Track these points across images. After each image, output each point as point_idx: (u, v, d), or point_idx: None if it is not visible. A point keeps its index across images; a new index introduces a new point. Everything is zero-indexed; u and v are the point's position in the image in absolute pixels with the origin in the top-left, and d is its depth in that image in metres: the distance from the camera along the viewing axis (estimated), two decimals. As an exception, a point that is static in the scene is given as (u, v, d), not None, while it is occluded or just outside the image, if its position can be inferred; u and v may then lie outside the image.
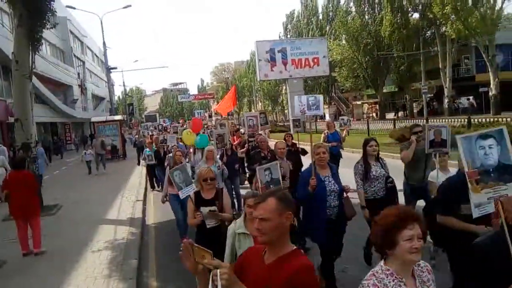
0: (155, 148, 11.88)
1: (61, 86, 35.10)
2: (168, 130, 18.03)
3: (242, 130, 11.76)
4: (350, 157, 9.74)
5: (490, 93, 28.14)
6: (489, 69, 27.69)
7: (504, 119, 15.73)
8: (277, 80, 42.94)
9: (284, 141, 7.34)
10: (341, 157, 9.63)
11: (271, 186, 3.76)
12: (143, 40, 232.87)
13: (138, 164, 18.16)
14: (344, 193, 4.52)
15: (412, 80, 37.52)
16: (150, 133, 18.06)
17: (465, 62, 36.60)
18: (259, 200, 2.03)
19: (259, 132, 9.67)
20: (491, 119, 16.81)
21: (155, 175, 12.29)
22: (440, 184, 3.86)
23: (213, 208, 4.30)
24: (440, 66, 32.87)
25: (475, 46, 30.16)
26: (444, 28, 30.19)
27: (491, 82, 27.63)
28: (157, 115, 33.64)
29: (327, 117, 49.09)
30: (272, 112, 64.14)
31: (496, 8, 26.15)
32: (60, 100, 33.31)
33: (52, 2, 10.52)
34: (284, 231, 1.96)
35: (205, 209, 4.29)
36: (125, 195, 11.76)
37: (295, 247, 2.00)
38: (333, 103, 52.28)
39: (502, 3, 26.11)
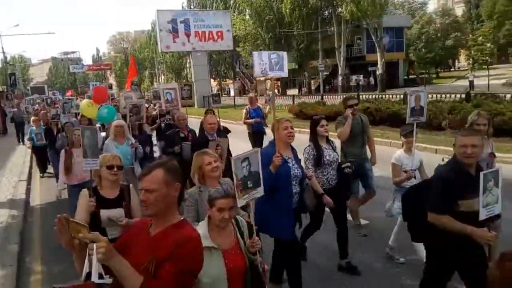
0: (44, 126, 9.78)
1: None
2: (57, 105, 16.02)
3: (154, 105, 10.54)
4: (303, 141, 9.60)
5: (378, 72, 30.97)
6: (377, 50, 30.32)
7: (388, 96, 17.42)
8: (181, 52, 41.65)
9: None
10: (265, 134, 8.89)
11: (249, 182, 2.70)
12: (25, 2, 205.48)
13: (19, 142, 16.11)
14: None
15: (311, 58, 39.55)
16: (36, 108, 15.13)
17: (357, 42, 39.61)
18: (145, 172, 1.95)
19: (178, 108, 8.03)
20: (377, 96, 18.53)
21: (46, 157, 9.81)
22: (435, 176, 3.11)
23: (115, 214, 3.16)
24: (336, 45, 35.04)
25: (366, 28, 32.71)
26: (339, 9, 31.99)
27: (379, 62, 30.37)
28: (46, 87, 30.36)
29: (232, 93, 49.64)
30: (178, 85, 62.32)
31: (384, -6, 28.51)
32: None
33: None
34: (171, 202, 1.93)
35: (106, 213, 3.18)
36: (5, 175, 10.42)
37: (182, 218, 1.99)
38: (237, 78, 52.70)
39: (389, -11, 28.52)
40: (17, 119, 16.62)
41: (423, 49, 41.10)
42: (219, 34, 31.93)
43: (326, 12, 37.41)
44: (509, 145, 9.05)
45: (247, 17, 39.47)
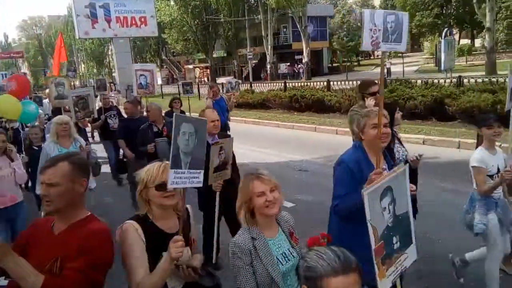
0: None
1: None
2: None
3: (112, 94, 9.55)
4: (239, 130, 9.38)
5: (303, 60, 31.89)
6: (302, 39, 31.16)
7: (313, 83, 18.00)
8: (102, 39, 39.29)
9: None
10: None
11: (394, 239, 1.74)
12: None
13: None
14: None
15: (240, 46, 39.60)
16: None
17: (284, 31, 40.37)
18: (48, 164, 1.78)
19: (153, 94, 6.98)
20: (303, 83, 19.07)
21: None
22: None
23: (184, 258, 1.91)
24: (263, 34, 35.36)
25: (292, 17, 33.41)
26: (265, -3, 32.26)
27: (304, 50, 31.25)
28: None
29: (159, 81, 48.02)
30: (98, 75, 58.91)
31: (308, -17, 29.25)
32: None
33: None
34: (76, 198, 1.79)
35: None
36: None
37: (89, 213, 1.85)
38: (165, 66, 51.14)
39: (312, -22, 29.34)
40: None
41: (345, 38, 43.15)
42: (142, 19, 30.50)
43: (252, 0, 37.54)
44: (420, 127, 9.81)
45: (172, 3, 38.25)
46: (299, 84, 18.79)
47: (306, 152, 8.86)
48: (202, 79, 45.35)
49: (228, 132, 7.13)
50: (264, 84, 21.04)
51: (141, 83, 6.40)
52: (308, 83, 18.52)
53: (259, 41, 37.92)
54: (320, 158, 8.26)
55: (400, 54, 33.05)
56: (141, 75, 6.46)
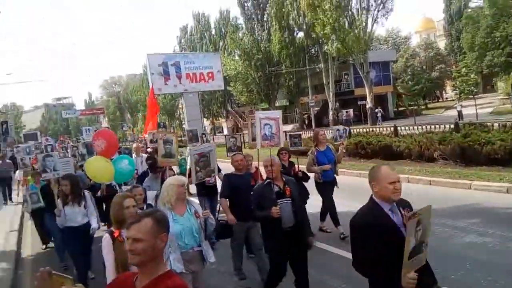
0: (44, 180, 7.07)
1: None
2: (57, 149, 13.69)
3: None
4: (352, 185, 8.95)
5: (367, 106, 31.55)
6: (365, 84, 31.05)
7: (379, 129, 17.66)
8: (173, 94, 42.27)
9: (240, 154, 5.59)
10: (337, 186, 6.84)
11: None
12: (17, 51, 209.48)
13: (5, 201, 13.63)
14: None
15: (302, 94, 40.41)
16: (33, 157, 11.52)
17: (345, 78, 40.62)
18: (133, 220, 1.94)
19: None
20: (368, 129, 18.76)
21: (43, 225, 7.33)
22: None
23: None
24: (324, 81, 35.86)
25: (353, 64, 33.65)
26: (326, 47, 33.02)
27: (367, 96, 31.02)
28: (39, 133, 30.42)
29: (225, 131, 49.99)
30: (169, 127, 62.77)
31: (368, 30, 29.53)
32: None
33: None
34: (158, 252, 1.92)
35: None
36: (-5, 226, 10.19)
37: (168, 268, 1.99)
38: (230, 117, 53.28)
39: (372, 26, 29.63)
40: (1, 173, 13.69)
41: (410, 82, 42.23)
42: (210, 75, 32.51)
43: (313, 50, 38.54)
44: (500, 174, 9.08)
45: (237, 57, 40.47)
46: (364, 129, 18.52)
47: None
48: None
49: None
50: (328, 131, 21.01)
51: (265, 134, 5.26)
52: (374, 129, 18.19)
53: (321, 89, 38.42)
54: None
55: (472, 96, 31.49)
56: (265, 124, 5.36)
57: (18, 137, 55.74)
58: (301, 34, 37.70)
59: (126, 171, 5.79)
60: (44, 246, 8.05)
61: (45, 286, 1.56)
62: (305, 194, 5.95)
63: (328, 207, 6.66)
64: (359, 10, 28.94)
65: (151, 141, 10.14)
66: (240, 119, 52.02)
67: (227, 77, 38.31)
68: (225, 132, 48.10)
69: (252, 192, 4.34)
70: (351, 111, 36.70)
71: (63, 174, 5.67)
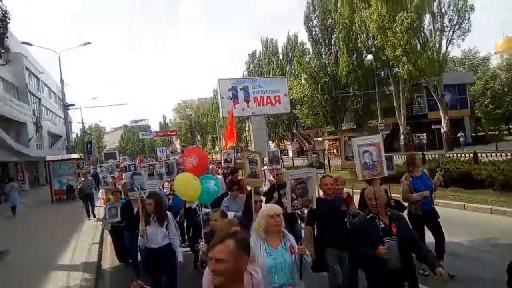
0: (124, 198, 7.78)
1: (14, 123, 33.55)
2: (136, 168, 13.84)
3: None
4: (454, 217, 8.47)
5: (442, 130, 29.78)
6: (440, 108, 29.44)
7: (455, 155, 16.54)
8: (240, 117, 43.46)
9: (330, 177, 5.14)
10: (438, 216, 5.95)
11: None
12: (102, 77, 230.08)
13: (88, 216, 14.34)
14: None
15: (369, 118, 39.34)
16: (116, 175, 12.64)
17: (418, 100, 38.89)
18: (217, 241, 2.00)
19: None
20: (443, 155, 17.64)
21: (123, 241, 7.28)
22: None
23: None
24: (395, 104, 34.62)
25: (426, 86, 32.17)
26: (396, 69, 32.02)
27: (442, 120, 29.33)
28: (117, 152, 32.77)
29: (290, 153, 50.08)
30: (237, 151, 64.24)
31: (442, 52, 28.19)
32: (12, 138, 31.71)
33: (6, 39, 10.24)
34: (240, 274, 1.96)
35: None
36: (80, 238, 11.07)
37: None
38: (295, 139, 53.33)
39: (447, 47, 28.23)
40: (85, 190, 14.75)
41: (490, 105, 39.31)
42: (276, 98, 33.02)
43: (383, 72, 37.57)
44: None
45: (303, 81, 40.70)
46: (438, 156, 17.45)
47: (454, 233, 7.96)
48: (332, 151, 45.74)
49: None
50: (399, 157, 20.12)
51: (365, 163, 4.13)
52: (450, 155, 17.08)
53: (391, 112, 37.11)
54: (472, 240, 7.33)
55: None
56: (364, 151, 4.33)
57: (100, 156, 60.44)
58: (369, 57, 37.04)
59: (212, 192, 5.56)
60: (121, 262, 8.26)
61: None
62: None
63: (440, 241, 5.79)
64: (433, 31, 27.80)
65: (226, 161, 10.34)
66: (305, 142, 51.80)
67: (293, 100, 38.58)
68: (290, 154, 48.09)
69: (350, 225, 4.02)
70: (424, 135, 34.90)
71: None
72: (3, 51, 10.34)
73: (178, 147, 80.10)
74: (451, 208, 10.53)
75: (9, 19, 9.95)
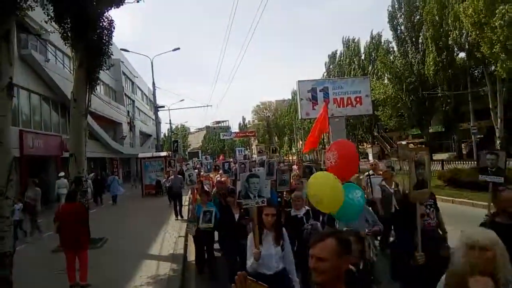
0: (216, 198, 7.60)
1: (112, 123, 37.11)
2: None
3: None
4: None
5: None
6: (546, 109, 26.25)
7: None
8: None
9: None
10: None
11: None
12: (190, 80, 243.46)
13: (176, 216, 14.14)
14: None
15: (460, 120, 36.35)
16: (204, 173, 12.09)
17: (518, 102, 34.98)
18: (317, 239, 1.99)
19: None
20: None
21: (210, 251, 7.33)
22: None
23: None
24: (490, 106, 31.57)
25: (528, 86, 28.90)
26: (493, 67, 29.21)
27: (549, 122, 26.11)
28: (200, 152, 34.46)
29: (370, 157, 48.20)
30: (313, 151, 63.80)
31: (550, 47, 25.07)
32: (110, 137, 35.08)
33: (110, 46, 11.39)
34: (340, 274, 1.92)
35: None
36: (168, 231, 11.92)
37: None
38: (376, 142, 51.31)
39: (557, 41, 25.02)
40: (175, 188, 14.55)
41: None
42: (357, 99, 32.02)
43: (476, 71, 34.51)
44: None
45: (386, 81, 39.02)
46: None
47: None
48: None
49: None
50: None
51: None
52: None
53: (485, 114, 33.83)
54: None
55: None
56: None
57: (184, 154, 63.99)
58: (462, 55, 34.27)
59: (355, 207, 3.98)
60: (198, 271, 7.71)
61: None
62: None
63: None
64: (539, 24, 24.85)
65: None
66: (386, 145, 49.50)
67: (375, 102, 37.14)
68: (370, 158, 46.37)
69: None
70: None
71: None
72: (106, 57, 11.48)
73: (255, 148, 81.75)
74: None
75: (114, 28, 11.04)
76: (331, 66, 54.88)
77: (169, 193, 15.96)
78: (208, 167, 12.33)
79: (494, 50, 25.16)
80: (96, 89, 22.18)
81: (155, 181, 23.45)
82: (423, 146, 37.13)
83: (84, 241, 7.07)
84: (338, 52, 53.67)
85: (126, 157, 42.73)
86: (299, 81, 32.82)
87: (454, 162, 24.45)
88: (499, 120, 31.10)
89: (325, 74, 55.18)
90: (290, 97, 70.76)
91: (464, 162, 24.17)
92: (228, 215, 6.33)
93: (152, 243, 10.28)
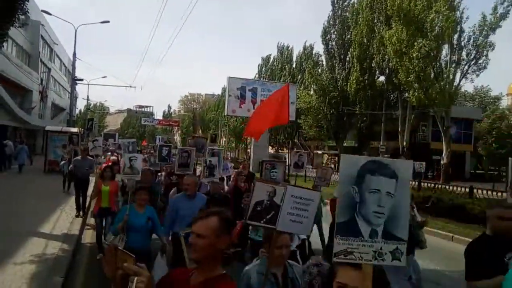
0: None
1: (21, 89, 33.56)
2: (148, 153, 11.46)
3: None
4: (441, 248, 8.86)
5: (442, 162, 29.72)
6: (443, 139, 29.39)
7: (453, 187, 16.44)
8: (244, 118, 43.41)
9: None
10: None
11: None
12: (115, 58, 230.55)
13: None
14: None
15: (372, 138, 39.29)
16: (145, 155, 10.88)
17: (422, 129, 38.86)
18: (201, 216, 1.96)
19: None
20: (441, 186, 17.54)
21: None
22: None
23: None
24: (399, 129, 34.55)
25: (433, 116, 32.14)
26: (406, 94, 32.00)
27: (444, 151, 29.27)
28: (117, 134, 32.61)
29: (288, 161, 49.82)
30: (235, 149, 64.26)
31: (455, 84, 28.15)
32: (17, 104, 31.70)
33: (26, 2, 10.22)
34: (217, 253, 1.91)
35: None
36: (65, 210, 11.00)
37: (224, 271, 1.94)
38: (295, 148, 53.28)
39: (460, 80, 28.18)
40: (80, 174, 10.62)
41: (493, 144, 39.25)
42: (283, 105, 32.97)
43: (392, 95, 37.59)
44: None
45: (312, 92, 40.72)
46: (436, 185, 17.38)
47: (439, 263, 7.91)
48: (330, 166, 45.67)
49: None
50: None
51: None
52: (447, 187, 17.01)
53: (394, 136, 37.01)
54: (455, 272, 7.27)
55: None
56: None
57: (99, 135, 60.01)
58: (382, 78, 37.04)
59: None
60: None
61: (110, 260, 1.59)
62: None
63: None
64: (449, 62, 27.77)
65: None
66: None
67: (299, 110, 38.55)
68: (288, 162, 47.94)
69: None
70: (424, 164, 34.85)
71: None
72: (21, 13, 10.28)
73: (178, 138, 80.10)
74: (439, 238, 10.51)
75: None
76: (263, 69, 55.86)
77: (70, 179, 12.63)
78: (130, 149, 9.80)
79: (409, 78, 27.57)
80: (3, 46, 19.94)
81: (61, 157, 21.63)
82: (336, 158, 39.37)
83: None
84: (272, 57, 54.84)
85: (33, 128, 39.00)
86: (229, 77, 32.85)
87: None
88: (404, 143, 34.16)
89: (256, 75, 55.98)
90: (220, 93, 70.54)
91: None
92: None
93: (44, 221, 9.39)
